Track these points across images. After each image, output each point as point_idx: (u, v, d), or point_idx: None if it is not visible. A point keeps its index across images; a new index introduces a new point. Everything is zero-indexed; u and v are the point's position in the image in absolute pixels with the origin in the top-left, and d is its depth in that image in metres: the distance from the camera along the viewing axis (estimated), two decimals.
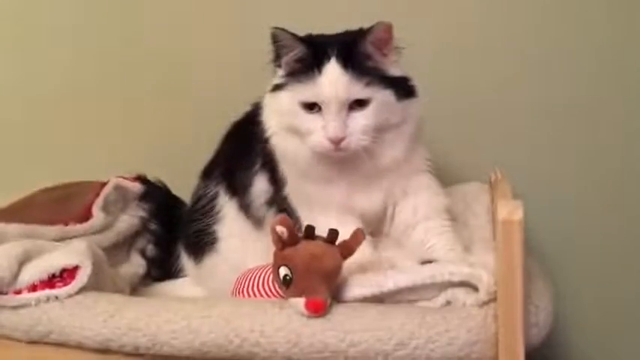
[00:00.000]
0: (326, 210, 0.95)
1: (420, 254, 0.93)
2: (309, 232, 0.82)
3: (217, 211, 1.07)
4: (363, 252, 0.87)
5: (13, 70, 1.51)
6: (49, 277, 0.90)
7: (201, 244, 1.09)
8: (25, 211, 1.03)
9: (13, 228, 0.98)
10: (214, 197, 1.08)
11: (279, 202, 1.01)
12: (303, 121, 0.91)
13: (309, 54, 0.91)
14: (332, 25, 0.97)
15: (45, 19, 1.48)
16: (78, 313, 0.87)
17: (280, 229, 0.81)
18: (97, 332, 0.85)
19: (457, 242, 0.93)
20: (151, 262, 1.22)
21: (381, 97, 0.90)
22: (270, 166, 1.01)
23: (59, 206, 1.12)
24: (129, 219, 1.24)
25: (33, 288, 0.89)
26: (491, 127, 1.32)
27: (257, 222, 1.04)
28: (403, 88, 0.93)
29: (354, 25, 0.96)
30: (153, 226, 1.25)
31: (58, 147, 1.51)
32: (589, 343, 1.33)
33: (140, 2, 1.44)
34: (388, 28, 0.90)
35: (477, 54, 1.30)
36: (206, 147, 1.14)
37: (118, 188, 1.24)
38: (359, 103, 0.89)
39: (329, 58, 0.89)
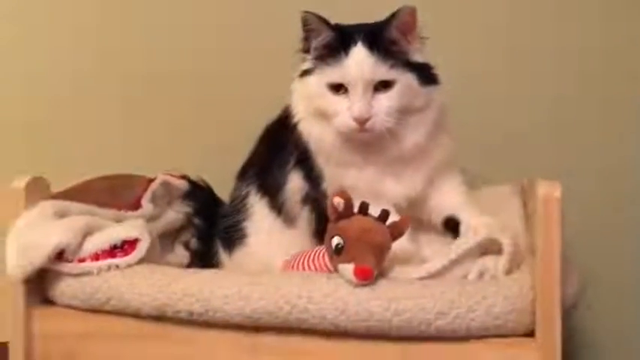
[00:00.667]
0: (358, 197, 0.94)
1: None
2: (363, 208, 0.87)
3: (247, 208, 1.13)
4: (402, 243, 0.91)
5: (40, 68, 1.60)
6: (110, 247, 0.97)
7: (233, 238, 1.15)
8: (82, 194, 1.10)
9: (76, 206, 1.05)
10: (246, 196, 1.14)
11: (316, 198, 1.05)
12: (330, 103, 0.96)
13: (337, 38, 0.96)
14: None
15: (68, 17, 1.59)
16: (136, 281, 0.94)
17: (337, 200, 0.86)
18: (153, 298, 0.91)
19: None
20: (193, 254, 1.28)
21: (405, 79, 0.95)
22: (306, 163, 1.05)
23: (113, 193, 1.19)
24: (174, 213, 1.30)
25: (96, 257, 0.96)
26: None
27: (289, 220, 1.09)
28: (426, 75, 0.98)
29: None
30: (196, 222, 1.31)
31: (105, 142, 1.60)
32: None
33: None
34: (412, 12, 0.95)
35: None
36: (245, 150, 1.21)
37: (164, 184, 1.31)
38: (384, 85, 0.94)
39: (355, 42, 0.94)
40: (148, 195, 1.27)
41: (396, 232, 0.87)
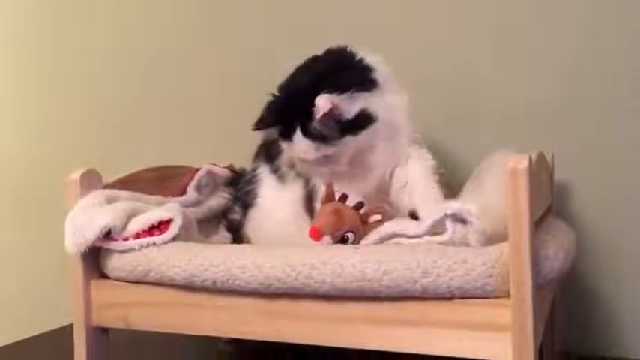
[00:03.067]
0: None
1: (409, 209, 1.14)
2: (343, 198, 1.12)
3: (258, 178, 1.33)
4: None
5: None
6: (149, 227, 1.12)
7: (248, 201, 1.34)
8: (132, 184, 1.26)
9: (124, 193, 1.21)
10: (257, 168, 1.34)
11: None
12: (302, 163, 1.20)
13: (282, 128, 1.17)
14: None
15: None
16: (170, 254, 1.08)
17: (325, 189, 1.14)
18: (184, 268, 1.05)
19: (440, 197, 1.14)
20: (235, 235, 1.42)
21: (342, 147, 1.14)
22: None
23: (160, 183, 1.35)
24: (217, 199, 1.45)
25: (137, 236, 1.11)
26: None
27: (281, 179, 1.28)
28: (361, 122, 1.13)
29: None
30: (237, 208, 1.46)
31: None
32: None
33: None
34: (329, 105, 1.09)
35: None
36: None
37: (209, 173, 1.46)
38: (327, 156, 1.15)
39: (294, 131, 1.14)
40: (193, 183, 1.43)
41: (364, 217, 1.09)
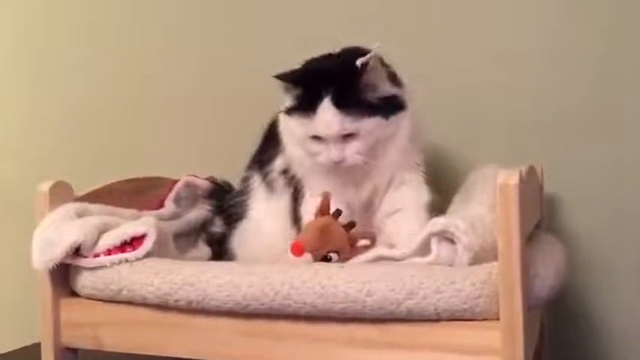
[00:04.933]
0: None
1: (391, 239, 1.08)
2: (337, 214, 1.05)
3: (250, 188, 1.27)
4: None
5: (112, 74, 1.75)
6: (121, 243, 1.06)
7: (239, 213, 1.27)
8: (105, 196, 1.21)
9: (96, 207, 1.15)
10: (249, 177, 1.28)
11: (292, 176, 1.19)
12: (311, 147, 1.09)
13: (305, 96, 1.08)
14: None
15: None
16: (143, 272, 1.03)
17: (321, 200, 1.06)
18: (157, 287, 1.00)
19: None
20: (215, 249, 1.37)
21: (370, 125, 1.05)
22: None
23: (135, 195, 1.29)
24: (197, 212, 1.40)
25: (108, 252, 1.06)
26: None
27: (271, 186, 1.23)
28: (392, 105, 1.07)
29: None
30: (218, 221, 1.40)
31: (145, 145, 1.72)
32: None
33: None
34: (376, 60, 1.03)
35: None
36: None
37: (189, 185, 1.41)
38: (351, 134, 1.05)
39: (322, 99, 1.05)
40: (172, 195, 1.38)
41: (352, 240, 1.03)
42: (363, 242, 1.06)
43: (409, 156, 1.12)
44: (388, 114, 1.06)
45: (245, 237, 1.24)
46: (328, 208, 1.04)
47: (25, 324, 1.39)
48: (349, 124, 1.04)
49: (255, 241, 1.22)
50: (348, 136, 1.05)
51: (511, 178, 0.81)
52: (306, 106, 1.07)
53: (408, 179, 1.12)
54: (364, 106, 1.04)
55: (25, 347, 1.50)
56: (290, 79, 1.09)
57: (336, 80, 1.05)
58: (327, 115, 1.04)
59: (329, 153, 1.06)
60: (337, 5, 1.53)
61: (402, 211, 1.11)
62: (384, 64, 1.09)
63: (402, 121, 1.08)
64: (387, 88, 1.07)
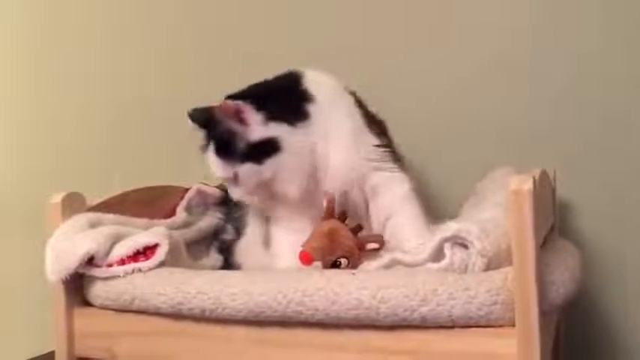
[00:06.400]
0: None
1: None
2: (343, 216, 1.05)
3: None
4: None
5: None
6: (134, 253, 1.06)
7: (239, 226, 1.29)
8: (118, 206, 1.21)
9: (108, 217, 1.16)
10: None
11: None
12: None
13: (205, 136, 1.14)
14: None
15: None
16: (156, 282, 1.03)
17: (325, 203, 1.03)
18: (171, 297, 1.00)
19: (424, 230, 1.06)
20: (227, 257, 1.37)
21: (244, 171, 1.08)
22: None
23: (148, 205, 1.29)
24: (209, 220, 1.40)
25: (121, 262, 1.06)
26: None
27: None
28: (265, 151, 1.07)
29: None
30: (229, 228, 1.40)
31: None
32: None
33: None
34: (227, 108, 1.06)
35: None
36: None
37: (199, 193, 1.41)
38: (236, 177, 1.10)
39: (208, 145, 1.12)
40: (183, 203, 1.38)
41: (361, 244, 1.02)
42: (371, 246, 1.04)
43: (358, 165, 1.10)
44: (261, 158, 1.07)
45: (245, 250, 1.25)
46: (333, 211, 1.03)
47: (39, 334, 1.40)
48: (228, 169, 1.09)
49: (255, 251, 1.23)
50: (235, 179, 1.10)
51: (524, 184, 0.80)
52: (204, 147, 1.13)
53: (376, 184, 1.11)
54: (238, 153, 1.08)
55: (40, 356, 1.51)
56: (192, 119, 1.15)
57: (217, 126, 1.09)
58: (212, 160, 1.11)
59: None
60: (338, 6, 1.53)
61: (393, 216, 1.09)
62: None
63: (277, 167, 1.08)
64: (260, 134, 1.08)
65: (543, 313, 0.83)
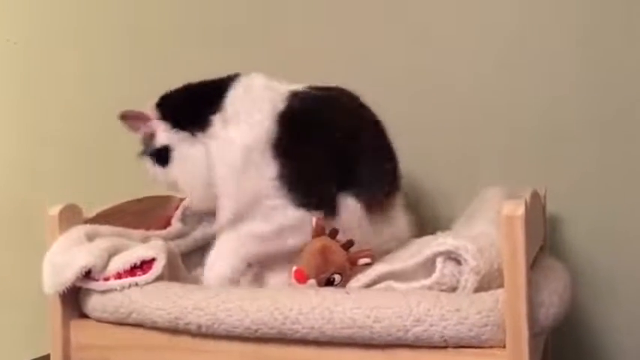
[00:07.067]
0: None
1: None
2: (334, 233, 1.05)
3: None
4: None
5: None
6: (131, 267, 1.07)
7: None
8: (115, 217, 1.22)
9: (105, 229, 1.17)
10: None
11: None
12: None
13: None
14: None
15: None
16: (153, 296, 1.04)
17: (315, 222, 1.02)
18: (167, 311, 1.01)
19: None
20: None
21: (159, 173, 1.19)
22: None
23: (144, 215, 1.31)
24: (203, 230, 1.41)
25: (118, 276, 1.07)
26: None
27: None
28: (165, 157, 1.17)
29: None
30: None
31: None
32: None
33: None
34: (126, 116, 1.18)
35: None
36: None
37: None
38: None
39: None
40: (178, 214, 1.39)
41: (353, 259, 1.03)
42: (363, 261, 1.04)
43: (244, 190, 1.10)
44: (164, 163, 1.17)
45: None
46: (323, 229, 1.04)
47: (36, 346, 1.41)
48: (159, 173, 1.19)
49: None
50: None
51: (517, 210, 0.83)
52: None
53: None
54: (157, 157, 1.17)
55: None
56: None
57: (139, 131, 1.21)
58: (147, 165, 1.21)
59: None
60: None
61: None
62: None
63: (174, 176, 1.18)
64: (162, 141, 1.17)
65: (533, 335, 0.85)
